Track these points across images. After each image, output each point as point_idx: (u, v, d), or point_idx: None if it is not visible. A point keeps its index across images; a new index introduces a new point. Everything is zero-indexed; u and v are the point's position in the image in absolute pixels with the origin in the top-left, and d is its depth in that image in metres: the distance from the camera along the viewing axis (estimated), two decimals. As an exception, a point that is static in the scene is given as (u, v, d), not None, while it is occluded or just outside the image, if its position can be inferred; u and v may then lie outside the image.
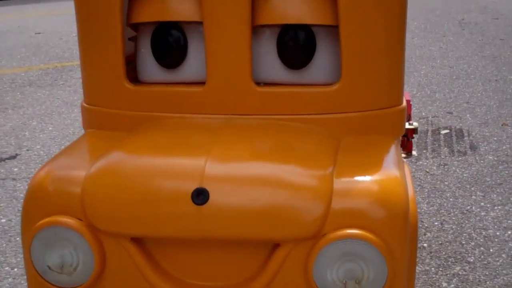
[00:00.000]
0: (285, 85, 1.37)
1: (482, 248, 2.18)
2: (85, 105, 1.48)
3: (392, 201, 1.13)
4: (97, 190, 1.18)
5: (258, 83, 1.36)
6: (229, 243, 1.17)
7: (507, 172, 2.84)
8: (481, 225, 2.35)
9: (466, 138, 3.30)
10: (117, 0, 1.34)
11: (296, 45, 1.36)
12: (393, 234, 1.12)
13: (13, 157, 3.15)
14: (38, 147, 3.28)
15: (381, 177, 1.18)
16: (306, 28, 1.34)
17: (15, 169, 2.99)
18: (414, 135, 1.88)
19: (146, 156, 1.25)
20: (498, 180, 2.75)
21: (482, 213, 2.44)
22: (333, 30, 1.34)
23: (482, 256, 2.13)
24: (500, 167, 2.90)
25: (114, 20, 1.35)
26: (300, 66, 1.37)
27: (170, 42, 1.39)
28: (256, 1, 1.32)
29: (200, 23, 1.34)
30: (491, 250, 2.17)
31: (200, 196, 1.11)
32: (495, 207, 2.49)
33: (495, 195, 2.60)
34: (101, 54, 1.40)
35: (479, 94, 4.11)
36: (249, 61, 1.32)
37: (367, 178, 1.17)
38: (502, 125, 3.49)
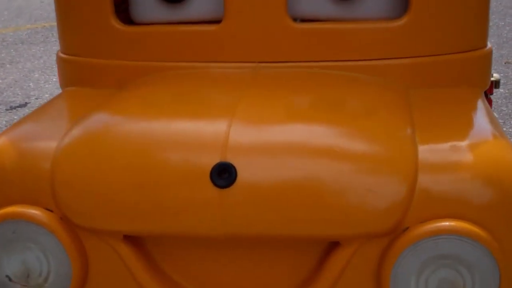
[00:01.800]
0: (330, 21, 1.02)
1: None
2: (61, 55, 1.11)
3: (505, 175, 0.76)
4: (73, 169, 0.81)
5: (294, 19, 1.02)
6: (263, 241, 0.81)
7: (521, 102, 2.91)
8: (508, 146, 2.41)
9: (473, 75, 3.36)
10: None
11: None
12: (508, 226, 0.77)
13: (23, 105, 3.08)
14: (47, 95, 3.22)
15: (483, 142, 0.83)
16: None
17: (29, 116, 2.94)
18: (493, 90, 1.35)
19: (143, 119, 0.87)
20: (515, 109, 2.82)
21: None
22: None
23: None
24: (513, 98, 2.97)
25: None
26: None
27: None
28: None
29: None
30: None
31: (223, 174, 0.76)
32: (518, 132, 2.55)
33: (515, 122, 2.67)
34: None
35: (475, 39, 4.17)
36: None
37: (463, 143, 0.81)
38: (505, 63, 3.57)
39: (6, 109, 3.04)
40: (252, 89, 0.92)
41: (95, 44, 1.07)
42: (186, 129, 0.83)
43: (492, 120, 0.91)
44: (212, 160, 0.76)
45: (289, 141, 0.80)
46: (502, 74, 3.33)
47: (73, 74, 1.11)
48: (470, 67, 1.03)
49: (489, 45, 1.07)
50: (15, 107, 3.06)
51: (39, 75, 3.60)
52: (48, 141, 0.86)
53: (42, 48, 4.28)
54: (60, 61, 1.13)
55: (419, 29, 1.01)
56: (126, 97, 0.99)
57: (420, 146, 0.79)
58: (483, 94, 1.06)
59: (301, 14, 1.06)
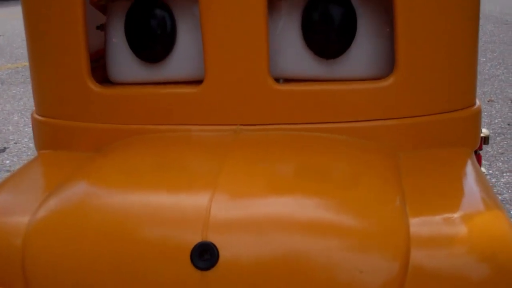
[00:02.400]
0: (314, 81, 1.00)
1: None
2: (36, 116, 1.09)
3: (500, 250, 0.74)
4: (45, 247, 0.77)
5: (277, 80, 1.00)
6: None
7: (506, 142, 2.88)
8: (495, 190, 2.38)
9: (457, 114, 3.35)
10: None
11: (329, 25, 0.99)
12: None
13: (2, 151, 3.02)
14: (26, 140, 3.16)
15: (477, 213, 0.79)
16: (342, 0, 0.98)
17: (7, 162, 2.87)
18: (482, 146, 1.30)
19: (120, 192, 0.85)
20: (500, 150, 2.79)
21: (493, 180, 2.47)
22: (379, 1, 1.00)
23: (504, 218, 2.16)
24: (498, 138, 2.94)
25: None
26: (334, 54, 1.00)
27: (153, 26, 1.02)
28: None
29: None
30: (511, 212, 2.20)
31: (204, 255, 0.73)
32: (504, 174, 2.52)
33: (500, 163, 2.64)
34: (54, 44, 1.02)
35: (458, 76, 4.19)
36: (264, 48, 0.95)
37: (457, 215, 0.78)
38: (488, 101, 3.56)
39: (-16, 155, 2.97)
40: (234, 154, 0.89)
41: (71, 106, 1.03)
42: (165, 204, 0.80)
43: (485, 186, 0.87)
44: (193, 239, 0.73)
45: (273, 216, 0.77)
46: (485, 113, 3.32)
47: (48, 136, 1.07)
48: (459, 126, 1.01)
49: (477, 102, 1.05)
50: (-7, 153, 3.00)
51: (19, 118, 3.55)
52: (20, 215, 0.82)
53: (22, 89, 4.23)
54: (35, 123, 1.09)
55: (407, 89, 0.95)
56: (102, 165, 0.93)
57: (412, 219, 0.76)
58: (473, 155, 1.02)
59: (284, 74, 1.03)
